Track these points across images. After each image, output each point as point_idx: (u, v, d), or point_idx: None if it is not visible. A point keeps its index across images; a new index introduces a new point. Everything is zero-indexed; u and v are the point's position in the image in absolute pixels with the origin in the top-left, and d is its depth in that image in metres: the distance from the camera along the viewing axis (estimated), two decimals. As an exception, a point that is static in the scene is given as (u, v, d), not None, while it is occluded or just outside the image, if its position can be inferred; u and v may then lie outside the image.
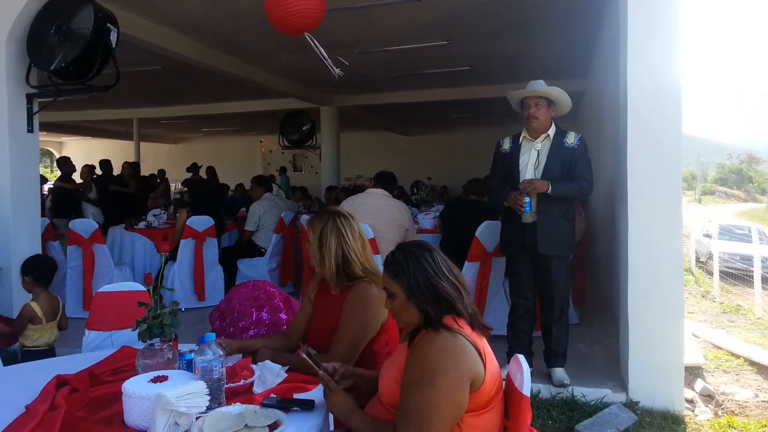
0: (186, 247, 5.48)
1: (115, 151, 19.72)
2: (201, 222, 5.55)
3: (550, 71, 8.27)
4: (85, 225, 5.23)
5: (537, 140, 3.54)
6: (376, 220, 4.11)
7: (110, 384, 1.93)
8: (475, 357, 1.58)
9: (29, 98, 4.61)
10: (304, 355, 1.77)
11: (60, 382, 1.90)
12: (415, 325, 1.69)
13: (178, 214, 6.24)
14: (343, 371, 1.83)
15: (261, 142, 19.10)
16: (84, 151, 22.06)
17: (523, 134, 3.63)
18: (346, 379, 1.81)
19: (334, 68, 4.19)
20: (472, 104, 11.65)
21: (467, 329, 1.64)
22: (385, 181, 4.56)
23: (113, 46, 4.38)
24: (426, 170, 15.25)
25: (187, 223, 5.50)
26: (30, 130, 4.64)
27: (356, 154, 15.57)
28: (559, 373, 3.57)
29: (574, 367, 3.71)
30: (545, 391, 3.52)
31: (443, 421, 1.52)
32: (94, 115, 13.71)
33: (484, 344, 1.65)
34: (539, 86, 3.53)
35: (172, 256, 5.71)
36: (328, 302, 2.26)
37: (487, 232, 4.17)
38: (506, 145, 3.69)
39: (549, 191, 3.40)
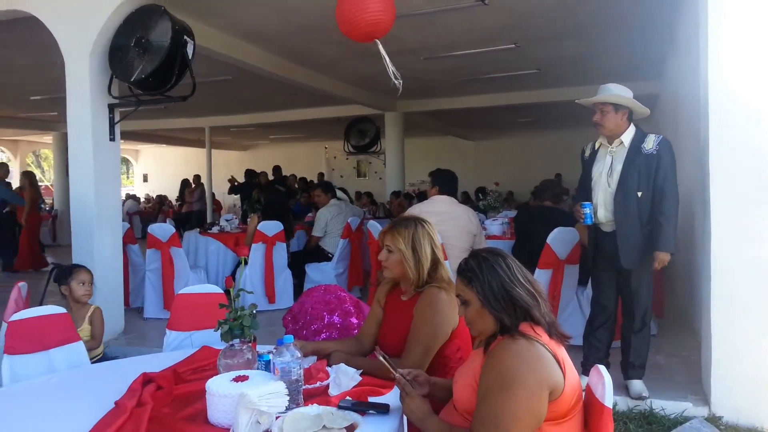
0: (257, 251, 5.63)
1: (188, 159, 20.55)
2: (271, 227, 5.69)
3: (620, 73, 8.02)
4: (162, 229, 5.45)
5: (612, 146, 3.43)
6: (444, 227, 4.07)
7: (193, 382, 2.00)
8: (554, 365, 1.55)
9: (111, 108, 4.86)
10: (382, 358, 1.78)
11: (146, 379, 1.99)
12: (489, 332, 1.68)
13: (249, 220, 6.42)
14: (417, 376, 1.83)
15: (326, 148, 19.40)
16: (158, 159, 23.10)
17: (600, 140, 3.53)
18: (422, 385, 1.81)
19: (397, 78, 4.20)
20: (539, 108, 11.44)
21: (545, 337, 1.60)
22: (448, 182, 4.40)
23: (190, 57, 4.56)
24: (490, 175, 15.11)
25: (257, 228, 5.65)
26: (112, 139, 4.89)
27: (420, 159, 15.55)
28: (638, 385, 3.43)
29: (652, 379, 3.57)
30: (622, 403, 3.40)
31: (521, 428, 1.50)
32: (169, 123, 14.31)
33: (562, 353, 1.61)
34: (607, 91, 3.39)
35: (244, 260, 5.88)
36: (398, 307, 2.27)
37: (559, 238, 4.08)
38: (587, 152, 3.60)
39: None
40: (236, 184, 12.66)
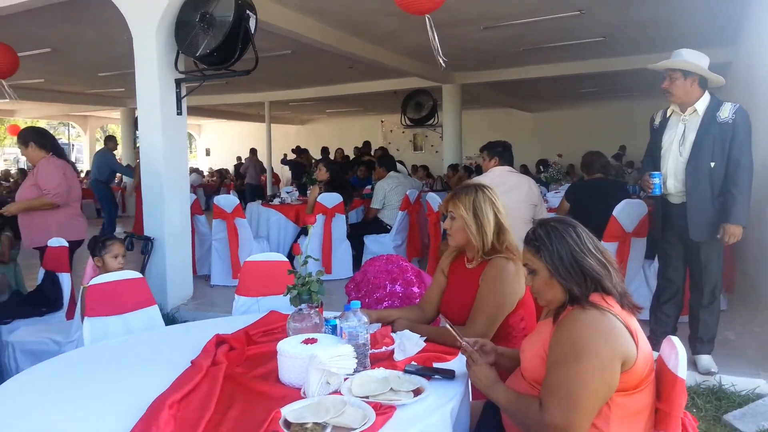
0: (316, 222, 5.72)
1: (249, 133, 20.96)
2: (330, 199, 5.76)
3: (691, 40, 7.62)
4: (228, 200, 5.61)
5: (684, 114, 3.29)
6: (504, 198, 4.00)
7: (263, 344, 2.08)
8: (626, 336, 1.53)
9: (177, 83, 4.98)
10: (449, 326, 1.80)
11: (219, 340, 2.07)
12: (558, 302, 1.66)
13: (309, 191, 6.53)
14: (483, 345, 1.84)
15: (382, 121, 19.39)
16: (220, 133, 23.67)
17: (671, 108, 3.39)
18: (488, 354, 1.82)
19: (442, 56, 4.12)
20: (603, 77, 11.05)
21: (616, 308, 1.58)
22: (506, 152, 4.32)
23: (252, 32, 4.62)
24: (550, 148, 14.77)
25: (317, 199, 5.74)
26: (179, 113, 5.03)
27: (477, 132, 15.29)
28: (706, 360, 3.34)
29: (721, 354, 3.46)
30: (690, 378, 3.30)
31: (593, 399, 1.49)
32: (230, 99, 14.60)
33: (634, 323, 1.59)
34: (678, 56, 3.23)
35: (304, 231, 6.00)
36: (463, 276, 2.27)
37: (626, 211, 3.97)
38: (657, 119, 3.46)
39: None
40: (287, 159, 12.95)
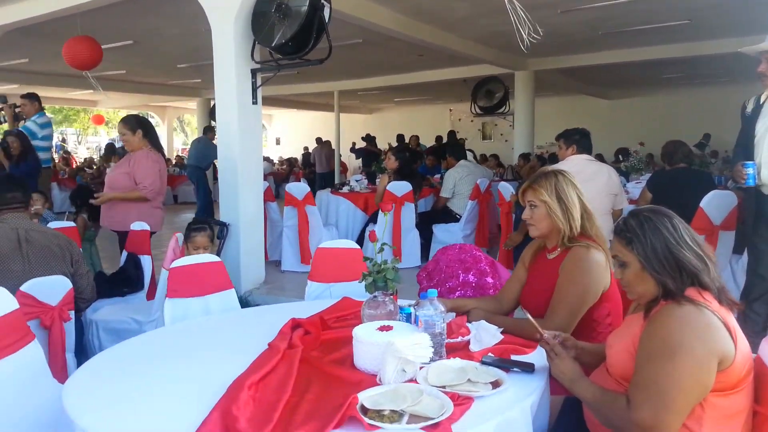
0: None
1: (318, 123, 21.25)
2: (400, 187, 5.74)
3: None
4: (299, 188, 5.70)
5: None
6: (583, 187, 3.86)
7: (338, 329, 2.09)
8: (724, 333, 1.43)
9: (253, 73, 5.07)
10: (529, 317, 1.74)
11: (294, 324, 2.09)
12: (650, 296, 1.57)
13: (379, 179, 6.53)
14: (565, 340, 1.77)
15: (450, 110, 19.19)
16: (290, 123, 24.12)
17: (766, 93, 3.15)
18: (569, 350, 1.75)
19: (525, 36, 3.96)
20: (687, 62, 10.47)
21: (714, 304, 1.48)
22: (584, 140, 4.16)
23: (326, 21, 4.64)
24: (627, 137, 14.16)
25: (387, 188, 5.73)
26: (254, 102, 5.11)
27: (549, 120, 14.85)
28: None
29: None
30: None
31: (686, 398, 1.40)
32: (300, 89, 14.81)
33: (732, 321, 1.48)
34: None
35: (372, 219, 6.01)
36: (543, 267, 2.19)
37: (714, 203, 3.75)
38: (750, 106, 3.23)
39: None
40: (357, 148, 13.04)
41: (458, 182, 6.17)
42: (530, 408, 1.53)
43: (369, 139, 13.16)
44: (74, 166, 15.37)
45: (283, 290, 5.04)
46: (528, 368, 1.70)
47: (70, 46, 6.11)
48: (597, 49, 9.72)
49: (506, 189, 5.44)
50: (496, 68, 10.36)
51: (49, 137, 6.44)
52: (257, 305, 4.30)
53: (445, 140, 12.23)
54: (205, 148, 9.32)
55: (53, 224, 4.08)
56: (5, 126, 6.58)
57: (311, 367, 1.75)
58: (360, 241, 5.41)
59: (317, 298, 2.91)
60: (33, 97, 6.29)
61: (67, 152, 19.39)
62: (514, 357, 1.80)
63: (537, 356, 1.80)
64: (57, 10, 6.00)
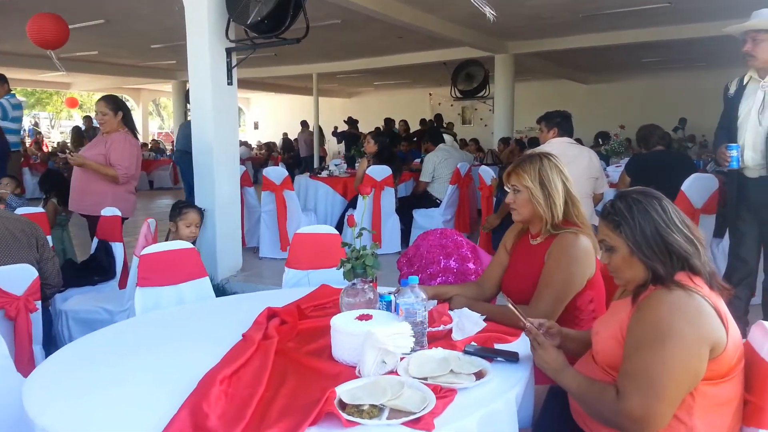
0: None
1: (296, 107, 21.00)
2: (379, 171, 5.65)
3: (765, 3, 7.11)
4: (276, 173, 5.58)
5: (765, 80, 3.03)
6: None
7: (315, 318, 2.01)
8: (715, 320, 1.38)
9: (228, 52, 4.92)
10: (511, 305, 1.68)
11: (270, 314, 2.01)
12: (638, 282, 1.52)
13: (357, 164, 6.44)
14: (548, 327, 1.71)
15: (430, 94, 19.09)
16: (268, 107, 23.80)
17: (749, 74, 3.13)
18: (553, 337, 1.70)
19: (485, 8, 3.87)
20: (666, 46, 10.48)
21: (705, 289, 1.43)
22: (566, 122, 4.10)
23: (303, -1, 4.51)
24: (605, 121, 14.20)
25: (366, 172, 5.64)
26: (230, 83, 4.97)
27: (528, 105, 14.83)
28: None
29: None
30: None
31: (677, 387, 1.35)
32: (278, 71, 14.58)
33: (723, 306, 1.44)
34: (762, 16, 2.99)
35: (352, 204, 5.93)
36: (527, 253, 2.13)
37: (695, 186, 3.72)
38: (732, 87, 3.20)
39: None
40: (338, 131, 12.88)
41: (437, 166, 6.11)
42: (515, 399, 1.48)
43: (351, 122, 13.00)
44: (47, 151, 14.98)
45: (261, 278, 4.95)
46: (512, 357, 1.64)
47: (35, 23, 5.88)
48: (576, 32, 9.68)
49: (487, 173, 5.39)
50: (476, 51, 10.29)
51: (19, 119, 6.22)
52: (234, 293, 4.22)
53: (436, 125, 12.17)
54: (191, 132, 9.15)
55: (20, 210, 3.92)
56: None
57: (287, 359, 1.68)
58: (339, 226, 5.33)
59: (295, 286, 2.84)
60: (1, 79, 6.07)
61: (39, 135, 18.90)
62: (497, 346, 1.75)
63: (521, 344, 1.75)
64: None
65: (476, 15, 8.08)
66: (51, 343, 3.02)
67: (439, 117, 12.30)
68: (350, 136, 12.34)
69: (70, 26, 6.19)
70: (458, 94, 11.18)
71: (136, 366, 1.72)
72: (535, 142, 6.45)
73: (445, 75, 11.72)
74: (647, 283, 1.49)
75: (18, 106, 6.10)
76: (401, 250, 5.59)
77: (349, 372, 1.56)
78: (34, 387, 1.57)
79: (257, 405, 1.38)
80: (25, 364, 2.32)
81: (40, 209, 4.23)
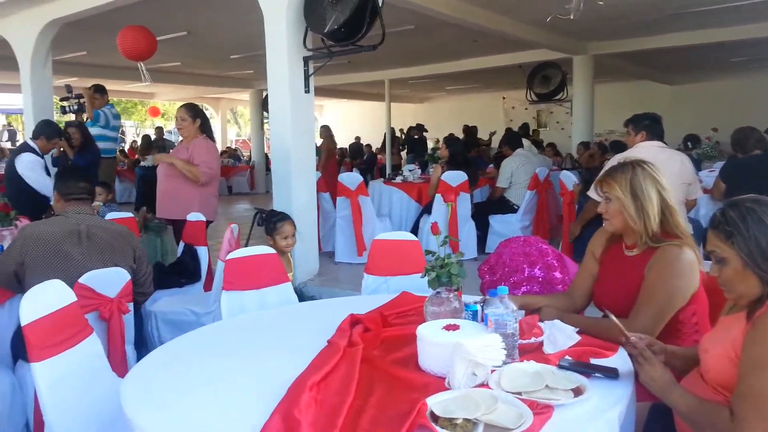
0: (440, 201, 5.57)
1: (368, 113, 21.20)
2: (455, 177, 5.58)
3: None
4: (351, 178, 5.62)
5: None
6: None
7: (399, 326, 1.98)
8: None
9: (306, 61, 5.00)
10: (614, 318, 1.58)
11: (354, 320, 2.00)
12: (752, 296, 1.40)
13: (431, 170, 6.39)
14: (650, 343, 1.60)
15: (503, 98, 18.77)
16: (341, 113, 24.13)
17: None
18: (657, 354, 1.58)
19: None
20: (761, 44, 9.84)
21: (830, 306, 1.30)
22: (656, 125, 3.90)
23: (380, 5, 4.53)
24: (693, 124, 13.48)
25: (441, 178, 5.58)
26: (307, 91, 5.05)
27: (608, 107, 14.31)
28: None
29: None
30: None
31: None
32: (351, 78, 14.73)
33: None
34: None
35: (427, 210, 5.88)
36: (621, 264, 2.01)
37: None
38: None
39: None
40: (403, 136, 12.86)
41: (515, 171, 5.97)
42: (617, 418, 1.39)
43: (419, 128, 13.00)
44: (134, 158, 15.79)
45: (337, 282, 4.98)
46: (611, 373, 1.55)
47: (125, 36, 6.18)
48: (661, 31, 9.22)
49: (568, 178, 5.20)
50: (553, 53, 10.01)
51: (117, 128, 6.64)
52: (312, 297, 4.27)
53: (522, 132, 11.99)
54: None
55: (111, 215, 4.12)
56: (67, 117, 6.78)
57: (373, 368, 1.65)
58: (414, 232, 5.30)
59: (374, 292, 2.82)
60: (102, 90, 6.49)
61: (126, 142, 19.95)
62: (593, 360, 1.66)
63: (619, 360, 1.65)
64: (112, 0, 6.08)
65: (554, 16, 7.92)
66: (141, 344, 3.14)
67: (525, 126, 12.10)
68: (420, 142, 12.34)
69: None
70: (534, 98, 10.90)
71: (225, 369, 1.75)
72: (618, 145, 6.16)
73: (520, 78, 11.47)
74: (763, 298, 1.37)
75: (117, 116, 6.53)
76: (477, 256, 5.50)
77: (437, 383, 1.52)
78: (130, 387, 1.61)
79: (347, 413, 1.37)
80: (118, 364, 2.41)
81: (128, 214, 4.42)
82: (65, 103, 6.75)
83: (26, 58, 6.97)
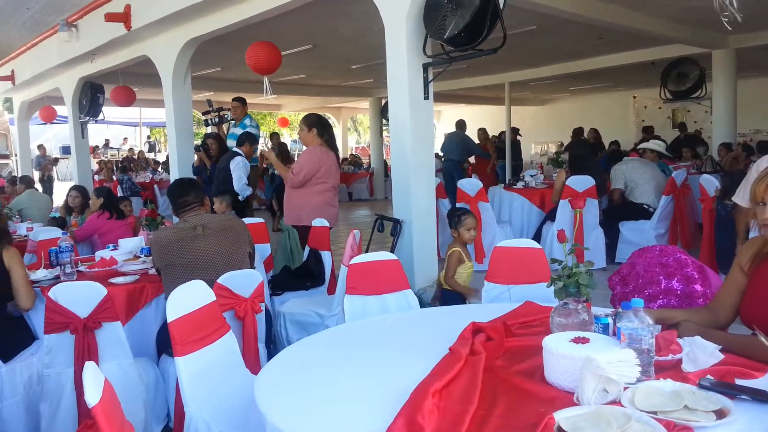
0: (565, 207, 5.37)
1: (485, 117, 20.93)
2: (580, 182, 5.35)
3: None
4: (471, 184, 5.58)
5: None
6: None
7: (523, 337, 1.93)
8: None
9: (425, 68, 5.03)
10: (762, 338, 1.44)
11: (476, 328, 1.97)
12: None
13: (555, 174, 6.18)
14: None
15: (634, 97, 17.74)
16: (458, 119, 24.02)
17: None
18: None
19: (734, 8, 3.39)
20: None
21: None
22: None
23: (501, 8, 4.45)
24: None
25: (566, 183, 5.38)
26: (426, 98, 5.08)
27: (752, 105, 13.06)
28: None
29: None
30: None
31: None
32: (469, 82, 14.63)
33: None
34: None
35: (550, 216, 5.69)
36: (776, 278, 1.82)
37: None
38: None
39: None
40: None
41: (626, 173, 5.68)
42: (768, 446, 1.26)
43: (513, 131, 12.95)
44: (263, 167, 16.74)
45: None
46: (760, 396, 1.41)
47: (253, 51, 6.57)
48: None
49: (709, 182, 4.79)
50: (689, 48, 9.31)
51: (258, 138, 7.12)
52: (430, 303, 4.29)
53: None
54: (462, 141, 10.00)
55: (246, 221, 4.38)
56: (205, 129, 7.37)
57: (496, 378, 1.63)
58: (536, 239, 5.14)
59: (495, 300, 2.78)
60: (243, 101, 7.00)
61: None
62: (739, 381, 1.52)
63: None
64: (246, 18, 6.48)
65: (689, 8, 7.37)
66: (271, 342, 3.32)
67: (650, 129, 11.47)
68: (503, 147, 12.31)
69: (282, 53, 6.84)
70: (668, 96, 10.19)
71: (349, 370, 1.80)
72: (766, 146, 5.62)
73: (651, 75, 10.78)
74: None
75: (256, 126, 6.99)
76: (606, 266, 5.24)
77: (565, 397, 1.46)
78: (263, 384, 1.71)
79: (470, 422, 1.35)
80: (251, 361, 2.56)
81: (259, 219, 4.68)
82: (207, 117, 7.32)
83: (168, 75, 7.66)
